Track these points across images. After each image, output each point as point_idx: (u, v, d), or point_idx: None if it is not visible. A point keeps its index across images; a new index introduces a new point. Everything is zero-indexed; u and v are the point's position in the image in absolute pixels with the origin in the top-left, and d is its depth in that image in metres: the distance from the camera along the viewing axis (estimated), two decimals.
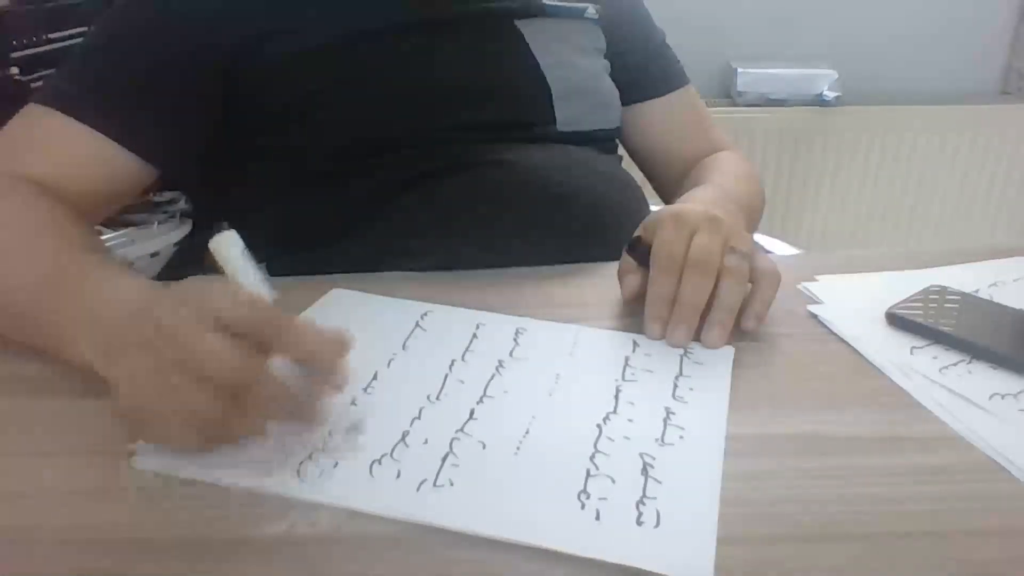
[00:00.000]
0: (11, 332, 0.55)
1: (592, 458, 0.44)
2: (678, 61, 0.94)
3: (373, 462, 0.44)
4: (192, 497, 0.42)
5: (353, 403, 0.49)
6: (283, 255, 0.62)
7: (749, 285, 0.58)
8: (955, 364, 0.54)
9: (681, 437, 0.47)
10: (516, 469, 0.44)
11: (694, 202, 0.67)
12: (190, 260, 0.71)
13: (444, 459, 0.44)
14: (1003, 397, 0.51)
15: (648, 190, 0.89)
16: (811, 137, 1.79)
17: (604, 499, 0.41)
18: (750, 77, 1.75)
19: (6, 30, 1.15)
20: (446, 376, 0.52)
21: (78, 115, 0.66)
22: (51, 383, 0.51)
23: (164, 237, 1.30)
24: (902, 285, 0.63)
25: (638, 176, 0.89)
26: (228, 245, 0.47)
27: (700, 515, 0.40)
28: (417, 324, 0.59)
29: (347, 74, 0.71)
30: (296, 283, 0.64)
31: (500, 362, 0.54)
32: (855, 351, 0.56)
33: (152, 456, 0.44)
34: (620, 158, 0.88)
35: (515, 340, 0.57)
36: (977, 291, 0.64)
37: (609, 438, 0.46)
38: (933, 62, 1.86)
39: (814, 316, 0.61)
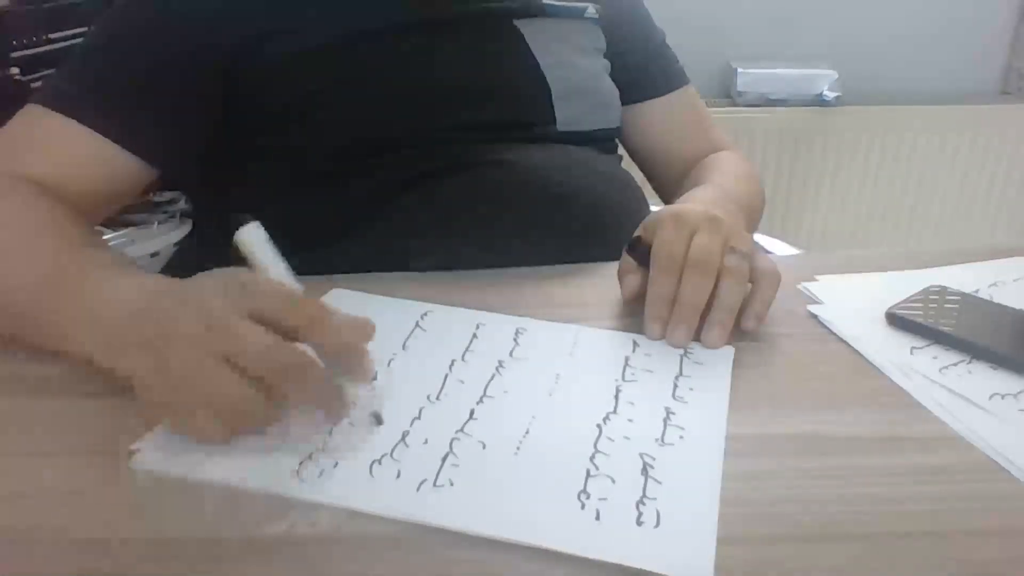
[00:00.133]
0: (11, 332, 0.55)
1: (592, 458, 0.44)
2: (678, 61, 0.94)
3: (373, 462, 0.44)
4: (192, 497, 0.42)
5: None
6: (283, 255, 0.62)
7: (749, 285, 0.58)
8: (955, 364, 0.54)
9: (681, 437, 0.47)
10: (516, 469, 0.44)
11: (694, 202, 0.67)
12: (190, 260, 0.71)
13: (444, 459, 0.44)
14: (1003, 397, 0.51)
15: (648, 190, 0.89)
16: (811, 137, 1.79)
17: (604, 499, 0.41)
18: (750, 77, 1.75)
19: (6, 30, 1.15)
20: (446, 376, 0.52)
21: (78, 115, 0.66)
22: (51, 383, 0.51)
23: (164, 237, 1.30)
24: (902, 285, 0.63)
25: (638, 176, 0.89)
26: (254, 236, 0.47)
27: (700, 515, 0.40)
28: (417, 324, 0.59)
29: (347, 74, 0.71)
30: None
31: (500, 362, 0.54)
32: (855, 351, 0.56)
33: (152, 456, 0.44)
34: (620, 158, 0.88)
35: (515, 340, 0.57)
36: (977, 291, 0.64)
37: (609, 438, 0.46)
38: (933, 62, 1.86)
39: (814, 316, 0.61)
